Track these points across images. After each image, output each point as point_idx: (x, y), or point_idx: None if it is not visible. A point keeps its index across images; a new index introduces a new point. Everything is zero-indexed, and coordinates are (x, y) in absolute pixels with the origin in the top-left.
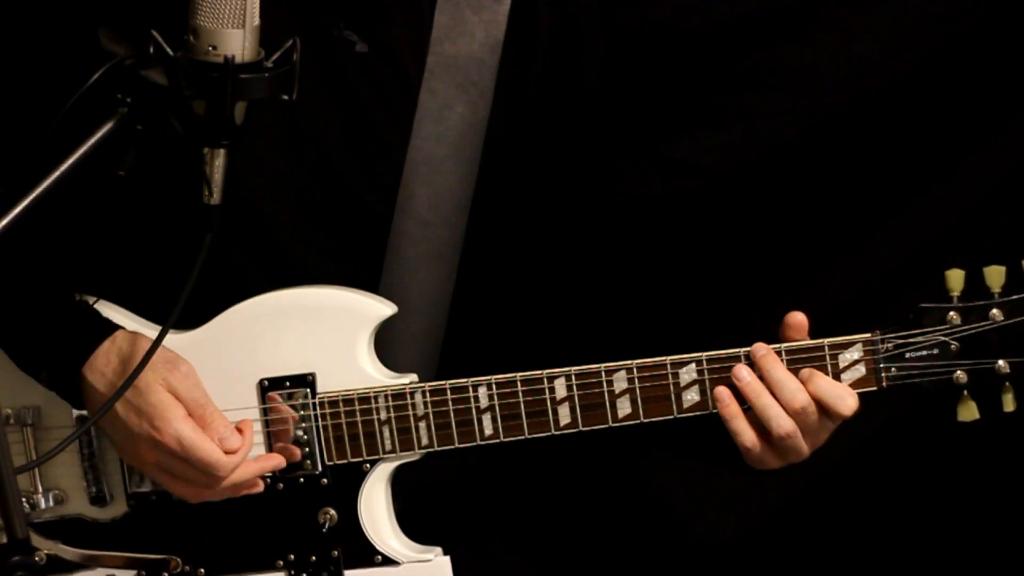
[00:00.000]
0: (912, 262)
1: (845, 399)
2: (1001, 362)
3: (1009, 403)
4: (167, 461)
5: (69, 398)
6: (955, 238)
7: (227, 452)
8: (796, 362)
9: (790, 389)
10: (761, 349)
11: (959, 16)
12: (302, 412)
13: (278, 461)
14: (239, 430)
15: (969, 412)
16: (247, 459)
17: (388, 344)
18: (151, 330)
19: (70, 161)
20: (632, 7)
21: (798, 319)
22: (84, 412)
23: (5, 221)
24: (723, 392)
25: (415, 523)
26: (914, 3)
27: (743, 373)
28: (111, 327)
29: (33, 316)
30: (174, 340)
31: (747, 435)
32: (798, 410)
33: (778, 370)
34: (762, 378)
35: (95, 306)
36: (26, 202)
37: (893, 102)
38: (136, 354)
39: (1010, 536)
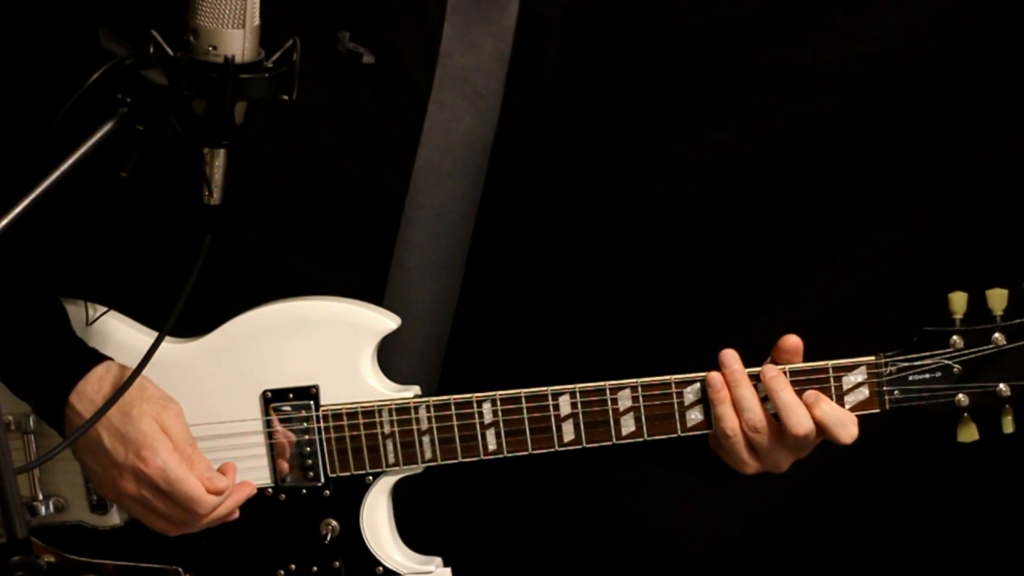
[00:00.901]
0: (912, 261)
1: (848, 427)
2: (1002, 385)
3: (1008, 425)
4: (147, 494)
5: (57, 428)
6: (954, 238)
7: (214, 492)
8: (800, 383)
9: (797, 415)
10: (771, 371)
11: (960, 16)
12: (305, 424)
13: (250, 490)
14: (222, 473)
15: (969, 433)
16: None
17: (391, 353)
18: (151, 339)
19: (70, 161)
20: (632, 8)
21: (793, 342)
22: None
23: (4, 222)
24: (716, 377)
25: (415, 533)
26: (914, 3)
27: (730, 359)
28: (97, 357)
29: (20, 345)
30: (177, 348)
31: (730, 421)
32: (800, 436)
33: (787, 394)
34: (767, 398)
35: (100, 319)
36: (26, 203)
37: (893, 102)
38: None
39: (986, 547)
